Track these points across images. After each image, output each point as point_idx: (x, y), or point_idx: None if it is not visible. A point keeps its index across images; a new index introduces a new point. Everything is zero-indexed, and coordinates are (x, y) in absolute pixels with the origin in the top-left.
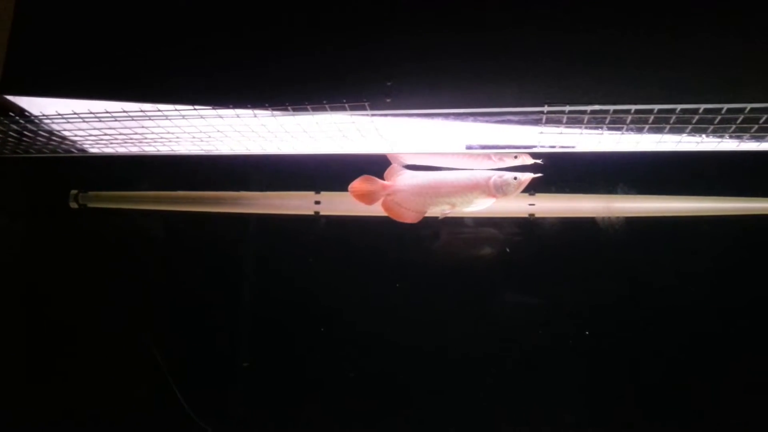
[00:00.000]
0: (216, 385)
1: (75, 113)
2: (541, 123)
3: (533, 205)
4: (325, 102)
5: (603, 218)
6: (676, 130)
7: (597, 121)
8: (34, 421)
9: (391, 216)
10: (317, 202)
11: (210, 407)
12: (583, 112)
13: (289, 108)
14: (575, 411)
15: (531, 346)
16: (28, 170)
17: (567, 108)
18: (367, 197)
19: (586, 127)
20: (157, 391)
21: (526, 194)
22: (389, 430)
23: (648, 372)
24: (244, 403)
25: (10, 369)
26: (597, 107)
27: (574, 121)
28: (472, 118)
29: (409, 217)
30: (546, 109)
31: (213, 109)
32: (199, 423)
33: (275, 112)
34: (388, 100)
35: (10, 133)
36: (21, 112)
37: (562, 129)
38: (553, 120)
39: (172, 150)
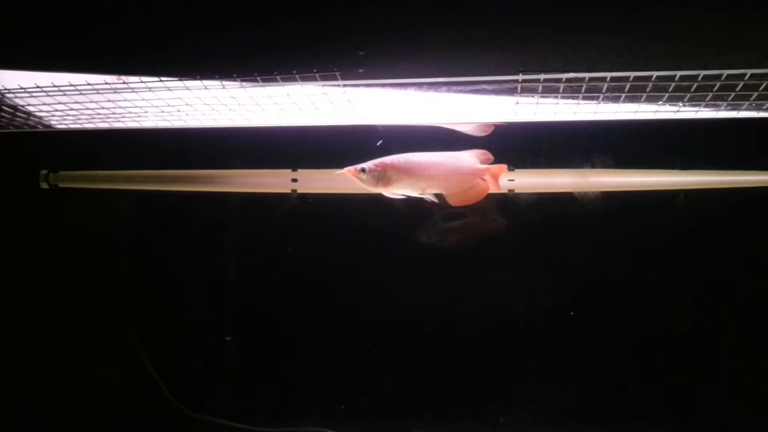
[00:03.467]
0: (197, 366)
1: (38, 86)
2: (516, 93)
3: (512, 180)
4: (294, 72)
5: (581, 193)
6: (652, 99)
7: (573, 89)
8: (5, 406)
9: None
10: (294, 180)
11: (191, 388)
12: (559, 80)
13: (257, 78)
14: (559, 389)
15: (513, 324)
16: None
17: (542, 76)
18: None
19: (562, 97)
20: (135, 374)
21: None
22: (370, 407)
23: (630, 348)
24: (226, 383)
25: None
26: (572, 75)
27: (550, 90)
28: (446, 88)
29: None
30: (521, 77)
31: (179, 80)
32: (177, 404)
33: (244, 84)
34: (361, 70)
35: None
36: None
37: (538, 99)
38: (529, 89)
39: (141, 125)
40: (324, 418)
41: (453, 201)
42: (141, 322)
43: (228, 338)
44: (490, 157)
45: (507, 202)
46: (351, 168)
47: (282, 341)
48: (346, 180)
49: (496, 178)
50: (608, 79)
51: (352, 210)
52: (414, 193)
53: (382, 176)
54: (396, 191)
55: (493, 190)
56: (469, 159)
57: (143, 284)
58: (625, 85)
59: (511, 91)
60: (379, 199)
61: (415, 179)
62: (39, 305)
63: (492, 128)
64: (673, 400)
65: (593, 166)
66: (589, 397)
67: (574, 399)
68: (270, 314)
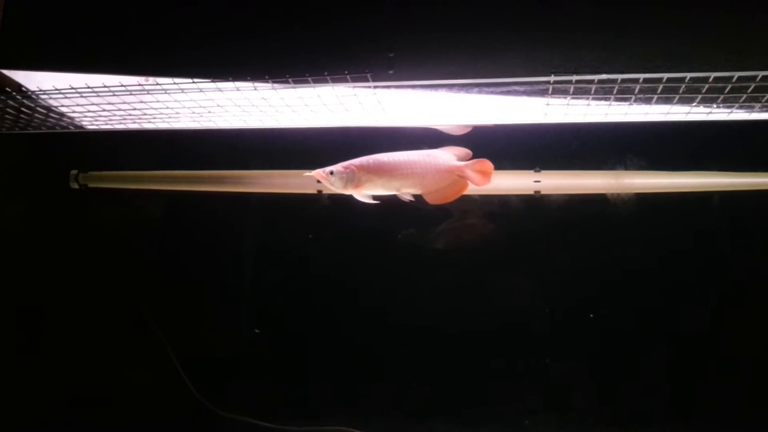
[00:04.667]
0: (223, 364)
1: (72, 88)
2: (547, 94)
3: (539, 182)
4: (326, 74)
5: (612, 195)
6: (685, 101)
7: (605, 91)
8: (34, 406)
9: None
10: (320, 181)
11: (217, 387)
12: (591, 82)
13: (289, 80)
14: (585, 392)
15: (538, 326)
16: (27, 149)
17: (574, 78)
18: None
19: (593, 98)
20: (161, 371)
21: (531, 171)
22: (393, 408)
23: (656, 354)
24: (252, 381)
25: (8, 356)
26: (605, 76)
27: (582, 91)
28: (477, 89)
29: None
30: (552, 78)
31: (212, 82)
32: (204, 402)
33: (276, 85)
34: (391, 72)
35: (7, 109)
36: (18, 87)
37: (569, 100)
38: (560, 90)
39: (171, 126)
40: (349, 418)
41: (431, 199)
42: (167, 321)
43: (257, 330)
44: (469, 153)
45: (533, 202)
46: (320, 170)
47: (308, 341)
48: None
49: (480, 173)
50: (641, 80)
51: (379, 212)
52: (389, 193)
53: (351, 178)
54: (368, 192)
55: (477, 186)
56: (445, 157)
57: (170, 284)
58: (658, 87)
59: (542, 93)
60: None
61: (386, 179)
62: (66, 305)
63: (470, 128)
64: (702, 403)
65: (626, 168)
66: (616, 401)
67: (600, 402)
68: (296, 314)
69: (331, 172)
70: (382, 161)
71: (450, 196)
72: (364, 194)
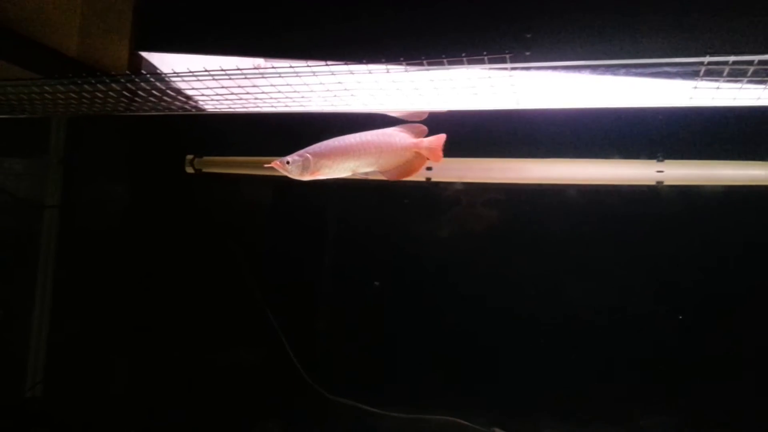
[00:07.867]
0: (333, 349)
1: (206, 70)
2: (698, 76)
3: (661, 172)
4: (463, 55)
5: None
6: None
7: (766, 72)
8: (144, 381)
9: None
10: (428, 168)
11: (323, 371)
12: (750, 63)
13: (424, 62)
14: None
15: (657, 324)
16: (149, 132)
17: (731, 59)
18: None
19: (748, 81)
20: (271, 354)
21: (654, 160)
22: (502, 401)
23: None
24: (360, 367)
25: (123, 335)
26: (766, 57)
27: (737, 73)
28: (624, 70)
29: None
30: (707, 59)
31: (345, 64)
32: (314, 386)
33: (409, 68)
34: (528, 53)
35: (138, 92)
36: (151, 69)
37: (719, 83)
38: (714, 72)
39: (293, 110)
40: (456, 409)
41: (388, 176)
42: (280, 306)
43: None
44: (425, 130)
45: (656, 193)
46: (277, 160)
47: (416, 331)
48: (480, 170)
49: (432, 150)
50: None
51: (483, 198)
52: (346, 175)
53: (307, 165)
54: (326, 176)
55: (435, 162)
56: (400, 135)
57: (283, 269)
58: None
59: (693, 75)
60: (510, 188)
61: (339, 162)
62: (180, 287)
63: (426, 114)
64: None
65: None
66: (737, 404)
67: (723, 404)
68: (406, 304)
69: (288, 162)
70: (333, 145)
71: (407, 173)
72: (330, 176)
